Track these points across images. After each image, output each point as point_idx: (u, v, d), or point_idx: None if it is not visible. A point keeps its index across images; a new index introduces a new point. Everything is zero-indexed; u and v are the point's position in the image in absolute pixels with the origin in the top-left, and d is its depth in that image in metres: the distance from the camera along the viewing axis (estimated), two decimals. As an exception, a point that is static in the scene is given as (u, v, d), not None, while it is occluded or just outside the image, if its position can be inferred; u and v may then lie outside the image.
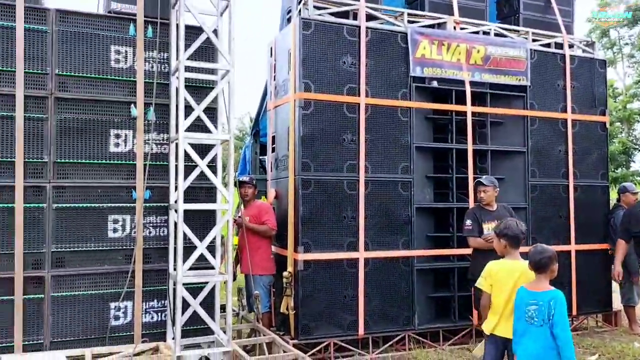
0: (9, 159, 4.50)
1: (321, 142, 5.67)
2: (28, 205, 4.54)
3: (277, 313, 5.99)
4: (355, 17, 5.99)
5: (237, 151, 17.77)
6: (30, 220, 4.55)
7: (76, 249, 4.71)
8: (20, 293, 4.49)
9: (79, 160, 4.74)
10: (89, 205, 4.76)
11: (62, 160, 4.68)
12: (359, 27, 5.83)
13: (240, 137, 26.57)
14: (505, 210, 5.64)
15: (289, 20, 6.28)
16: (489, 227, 5.38)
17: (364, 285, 5.74)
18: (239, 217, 5.96)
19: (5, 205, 4.48)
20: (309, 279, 5.57)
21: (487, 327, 4.02)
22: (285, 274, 5.63)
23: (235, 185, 6.00)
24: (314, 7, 5.82)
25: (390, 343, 5.92)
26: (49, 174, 4.63)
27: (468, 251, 5.90)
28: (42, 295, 4.59)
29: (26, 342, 4.52)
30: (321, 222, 5.64)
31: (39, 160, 4.61)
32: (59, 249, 4.65)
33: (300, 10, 5.83)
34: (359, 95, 5.81)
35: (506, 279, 3.88)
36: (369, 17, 6.01)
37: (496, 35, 6.74)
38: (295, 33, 5.64)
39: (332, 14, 5.92)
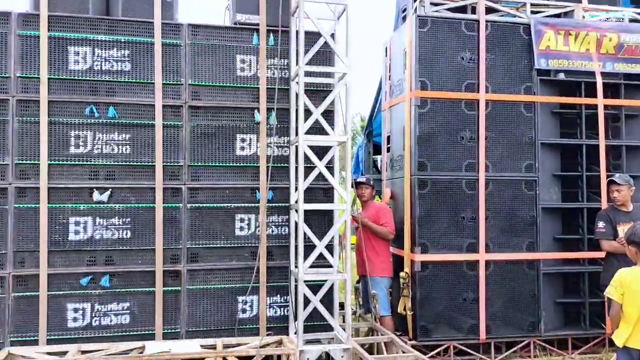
0: (150, 163, 4.95)
1: (438, 140, 5.58)
2: (167, 205, 4.97)
3: (394, 313, 6.00)
4: (473, 11, 5.82)
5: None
6: (168, 219, 4.98)
7: (208, 245, 5.07)
8: (160, 285, 4.93)
9: (210, 164, 5.09)
10: (218, 205, 5.10)
11: (196, 164, 5.06)
12: (478, 21, 5.66)
13: (352, 137, 26.77)
14: None
15: (404, 18, 6.25)
16: (624, 229, 4.97)
17: (485, 288, 5.57)
18: (358, 213, 5.88)
19: (148, 205, 4.94)
20: (427, 280, 5.52)
21: (618, 339, 3.73)
22: (402, 274, 5.62)
23: (352, 185, 6.08)
24: (431, 3, 5.74)
25: (514, 349, 5.69)
26: (184, 176, 5.04)
27: (601, 255, 5.50)
28: (179, 288, 5.00)
29: (165, 331, 4.95)
30: (439, 222, 5.56)
31: (176, 164, 5.02)
32: (194, 246, 5.04)
33: (415, 8, 5.78)
34: (478, 92, 5.65)
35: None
36: (488, 10, 5.81)
37: (631, 21, 6.19)
38: (411, 31, 5.60)
39: (449, 9, 5.80)
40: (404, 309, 5.61)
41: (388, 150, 6.44)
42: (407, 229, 5.64)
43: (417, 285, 5.51)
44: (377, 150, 8.41)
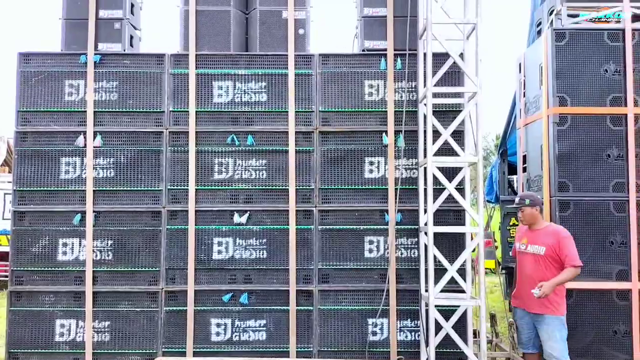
0: (284, 187, 5.22)
1: (580, 159, 5.20)
2: (299, 227, 5.19)
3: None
4: (617, 21, 5.39)
5: (483, 171, 17.31)
6: (301, 240, 5.19)
7: (338, 266, 5.18)
8: (294, 304, 5.12)
9: (340, 187, 5.24)
10: (348, 227, 5.20)
11: (326, 187, 5.23)
12: (623, 29, 5.22)
13: (485, 157, 25.81)
14: None
15: (539, 32, 5.97)
16: None
17: (639, 320, 5.01)
18: (523, 246, 4.73)
19: (282, 227, 5.19)
20: (571, 309, 5.09)
21: None
22: (542, 302, 5.26)
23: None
24: (568, 15, 5.42)
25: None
26: (316, 199, 5.23)
27: None
28: (312, 308, 5.16)
29: (299, 349, 5.12)
30: (583, 247, 5.12)
31: (308, 187, 5.24)
32: (325, 266, 5.18)
33: (552, 21, 5.50)
34: (626, 105, 5.18)
35: None
36: (635, 18, 5.34)
37: None
38: (547, 45, 5.32)
39: (589, 20, 5.43)
40: (545, 340, 5.22)
41: (524, 170, 6.12)
42: (546, 254, 5.28)
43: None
44: (513, 170, 8.02)
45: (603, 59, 5.24)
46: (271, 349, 5.12)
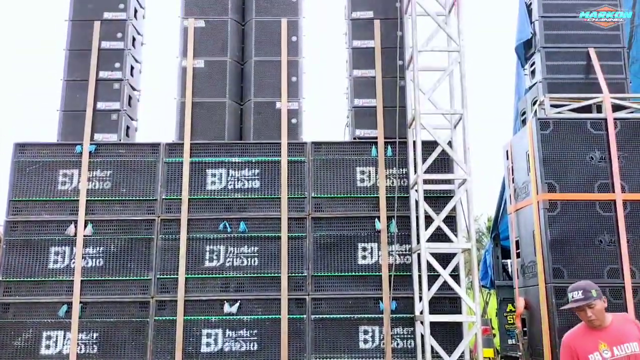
0: (276, 274, 5.13)
1: (573, 245, 5.19)
2: (292, 316, 5.05)
3: None
4: (599, 110, 5.60)
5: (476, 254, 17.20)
6: (293, 331, 5.03)
7: (333, 358, 4.99)
8: (286, 400, 4.88)
9: (333, 273, 5.16)
10: (342, 316, 5.07)
11: (319, 274, 5.16)
12: (605, 119, 5.41)
13: (477, 239, 25.78)
14: None
15: (523, 122, 6.17)
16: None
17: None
18: (608, 353, 3.29)
19: (273, 316, 5.05)
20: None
21: None
22: (546, 396, 5.04)
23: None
24: (551, 105, 5.63)
25: None
26: (308, 286, 5.13)
27: None
28: (304, 403, 4.91)
29: None
30: (583, 335, 5.00)
31: (300, 274, 5.16)
32: (318, 359, 4.99)
33: (535, 111, 5.70)
34: (614, 191, 5.26)
35: None
36: (616, 108, 5.55)
37: None
38: (533, 134, 5.48)
39: (572, 110, 5.64)
40: None
41: (518, 255, 6.09)
42: (546, 344, 5.14)
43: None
44: (506, 253, 7.97)
45: (588, 146, 5.37)
46: None
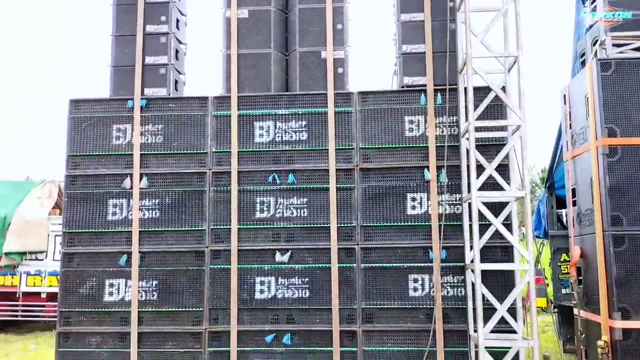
0: (325, 225, 5.18)
1: (634, 191, 4.97)
2: (342, 265, 5.12)
3: (593, 388, 5.29)
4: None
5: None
6: (343, 279, 5.10)
7: (383, 306, 5.06)
8: (337, 346, 5.00)
9: (382, 224, 5.16)
10: (391, 265, 5.10)
11: (368, 224, 5.17)
12: (673, 57, 5.05)
13: (530, 190, 25.19)
14: None
15: (582, 63, 5.84)
16: None
17: None
18: None
19: (323, 265, 5.13)
20: (631, 351, 4.80)
21: None
22: (600, 343, 4.97)
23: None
24: (613, 45, 5.29)
25: None
26: (358, 236, 5.16)
27: None
28: (355, 349, 5.02)
29: (344, 391, 4.97)
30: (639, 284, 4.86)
31: (349, 225, 5.19)
32: (368, 306, 5.07)
33: (596, 52, 5.38)
34: (680, 135, 4.96)
35: None
36: (685, 44, 5.17)
37: None
38: (592, 76, 5.19)
39: (635, 49, 5.29)
40: (605, 385, 4.91)
41: (574, 204, 5.90)
42: (602, 291, 5.02)
43: (619, 356, 4.81)
44: (561, 203, 7.75)
45: (653, 87, 5.06)
46: (315, 392, 5.00)
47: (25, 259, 12.68)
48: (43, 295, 12.48)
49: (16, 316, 12.67)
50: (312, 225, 5.21)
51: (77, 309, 5.28)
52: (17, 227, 12.59)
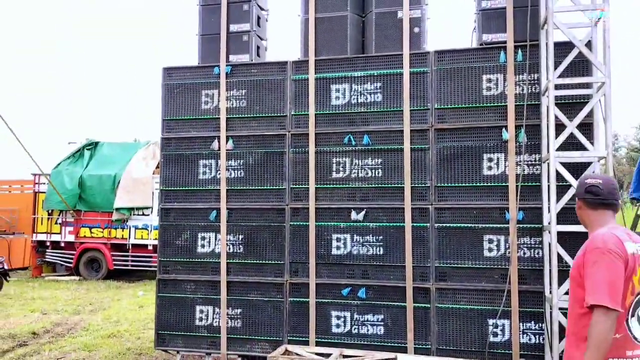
0: (399, 185, 5.30)
1: None
2: (415, 224, 5.24)
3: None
4: None
5: (634, 165, 15.63)
6: (417, 238, 5.23)
7: (456, 265, 5.14)
8: (410, 301, 5.18)
9: (457, 184, 5.19)
10: (466, 225, 5.14)
11: (442, 185, 5.21)
12: None
13: (638, 149, 23.29)
14: None
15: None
16: None
17: None
18: None
19: (398, 224, 5.28)
20: None
21: None
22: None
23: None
24: None
25: None
26: (432, 197, 5.23)
27: None
28: (429, 305, 5.18)
29: (417, 346, 5.17)
30: None
31: (423, 185, 5.26)
32: (442, 264, 5.17)
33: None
34: None
35: None
36: None
37: None
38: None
39: None
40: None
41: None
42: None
43: None
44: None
45: None
46: (389, 344, 5.24)
47: (134, 214, 13.98)
48: (150, 247, 13.76)
49: (127, 266, 14.09)
50: (386, 185, 5.35)
51: (174, 259, 5.86)
52: (126, 185, 13.87)
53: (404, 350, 5.18)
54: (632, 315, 2.52)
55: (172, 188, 5.93)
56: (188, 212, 5.87)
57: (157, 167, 13.85)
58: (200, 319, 5.75)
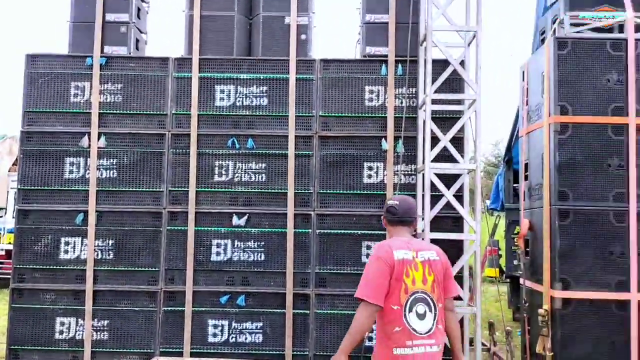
0: (282, 190, 5.26)
1: (581, 168, 5.16)
2: (297, 230, 5.22)
3: (532, 354, 5.58)
4: (620, 30, 5.36)
5: (492, 179, 17.21)
6: (299, 244, 5.22)
7: (335, 271, 5.20)
8: (290, 308, 5.15)
9: (338, 191, 5.27)
10: (346, 231, 5.23)
11: (325, 191, 5.27)
12: (626, 40, 5.18)
13: (495, 164, 25.68)
14: None
15: (542, 41, 5.95)
16: None
17: (638, 332, 4.96)
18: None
19: (280, 230, 5.23)
20: (569, 319, 5.06)
21: None
22: (541, 311, 5.23)
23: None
24: (571, 24, 5.40)
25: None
26: (314, 203, 5.26)
27: None
28: (308, 311, 5.18)
29: (295, 352, 5.15)
30: (582, 257, 5.09)
31: (306, 191, 5.27)
32: (322, 270, 5.21)
33: (554, 30, 5.49)
34: (628, 115, 5.14)
35: None
36: (638, 29, 5.30)
37: None
38: (549, 54, 5.30)
39: (592, 29, 5.41)
40: (543, 349, 5.19)
41: (526, 178, 6.09)
42: (546, 263, 5.25)
43: (558, 324, 5.08)
44: (518, 178, 8.00)
45: (605, 68, 5.20)
46: (267, 352, 5.16)
47: (-16, 216, 12.50)
48: (2, 253, 12.37)
49: (-26, 273, 12.54)
50: (269, 191, 5.29)
51: (31, 266, 5.28)
52: (-24, 184, 12.37)
53: (282, 357, 5.13)
54: (410, 311, 2.97)
55: (33, 187, 5.35)
56: (50, 215, 5.33)
57: (14, 164, 12.54)
58: (61, 332, 5.23)
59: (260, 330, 5.19)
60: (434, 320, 3.01)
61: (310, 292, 5.19)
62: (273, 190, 5.28)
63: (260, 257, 5.23)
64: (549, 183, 5.26)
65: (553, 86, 5.25)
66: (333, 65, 5.38)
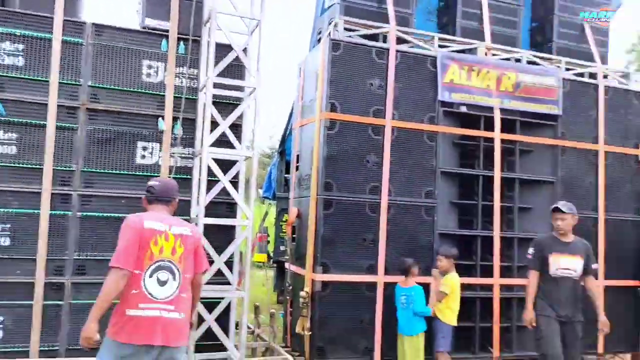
0: (37, 166, 4.61)
1: (345, 162, 5.64)
2: (54, 212, 4.64)
3: (293, 333, 5.93)
4: (385, 40, 6.00)
5: (265, 169, 17.87)
6: (54, 227, 4.64)
7: (98, 257, 4.76)
8: (40, 298, 4.56)
9: (106, 170, 4.83)
10: (112, 215, 4.83)
11: (90, 170, 4.78)
12: (388, 49, 5.83)
13: (269, 155, 26.77)
14: (583, 245, 4.99)
15: (318, 40, 6.33)
16: (557, 260, 4.86)
17: (382, 310, 5.64)
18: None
19: (31, 210, 4.58)
20: (326, 300, 5.50)
21: None
22: (302, 293, 5.58)
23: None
24: (345, 28, 5.85)
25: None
26: (76, 182, 4.73)
27: (490, 281, 5.76)
28: (62, 302, 4.65)
29: (43, 348, 4.57)
30: (341, 243, 5.58)
31: (68, 168, 4.71)
32: (81, 257, 4.72)
33: (330, 32, 5.88)
34: (385, 118, 5.79)
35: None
36: (400, 40, 6.01)
37: (528, 62, 6.65)
38: (324, 54, 5.67)
39: (362, 36, 5.94)
40: (302, 329, 5.55)
41: (297, 168, 6.43)
42: (310, 248, 5.62)
43: (317, 305, 5.48)
44: (290, 168, 8.42)
45: (370, 73, 5.77)
46: (8, 349, 4.48)
47: None
48: None
49: None
50: (20, 165, 4.59)
51: None
52: None
53: (26, 355, 4.51)
54: (150, 277, 3.13)
55: None
56: None
57: None
58: None
59: (1, 326, 4.48)
60: (177, 288, 3.17)
61: (65, 280, 4.67)
62: (25, 165, 4.60)
63: (5, 241, 4.51)
64: (317, 174, 5.63)
65: (325, 84, 5.62)
66: (107, 31, 4.90)
